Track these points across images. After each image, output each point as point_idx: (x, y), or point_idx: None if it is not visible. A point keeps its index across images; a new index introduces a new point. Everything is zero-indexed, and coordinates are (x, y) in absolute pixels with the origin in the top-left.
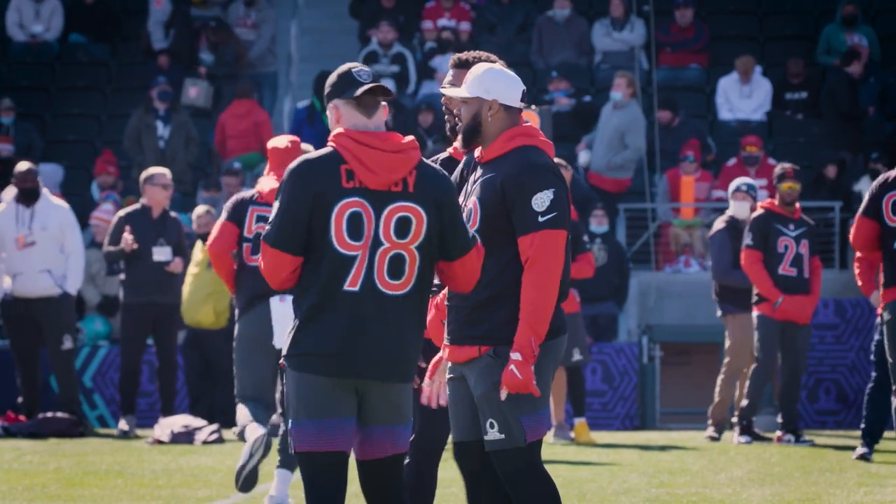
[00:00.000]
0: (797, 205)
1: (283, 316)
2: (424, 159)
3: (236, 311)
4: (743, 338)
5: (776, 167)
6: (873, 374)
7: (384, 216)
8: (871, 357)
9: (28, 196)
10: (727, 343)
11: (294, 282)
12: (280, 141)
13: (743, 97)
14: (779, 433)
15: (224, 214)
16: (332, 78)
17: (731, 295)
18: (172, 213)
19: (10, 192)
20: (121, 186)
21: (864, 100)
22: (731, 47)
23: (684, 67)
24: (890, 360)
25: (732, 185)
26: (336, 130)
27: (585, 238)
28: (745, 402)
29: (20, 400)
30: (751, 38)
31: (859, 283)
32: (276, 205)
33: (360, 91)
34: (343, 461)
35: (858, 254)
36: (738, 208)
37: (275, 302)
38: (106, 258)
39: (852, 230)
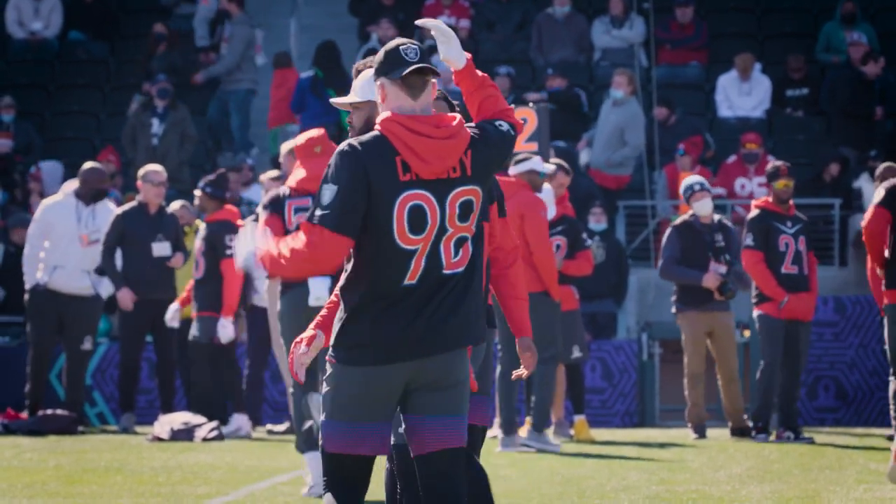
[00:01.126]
0: (790, 202)
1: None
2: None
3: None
4: (692, 335)
5: (768, 165)
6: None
7: (448, 204)
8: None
9: (96, 196)
10: (683, 342)
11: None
12: (300, 138)
13: (742, 94)
14: (778, 430)
15: (265, 212)
16: (379, 54)
17: (681, 293)
18: (169, 209)
19: (70, 186)
20: (120, 183)
21: (875, 99)
22: (730, 45)
23: (684, 65)
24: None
25: (686, 186)
26: (384, 114)
27: (584, 235)
28: (758, 404)
29: (27, 389)
30: (750, 35)
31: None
32: (329, 188)
33: (406, 71)
34: (370, 465)
35: (870, 263)
36: (700, 206)
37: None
38: (102, 263)
39: (866, 219)
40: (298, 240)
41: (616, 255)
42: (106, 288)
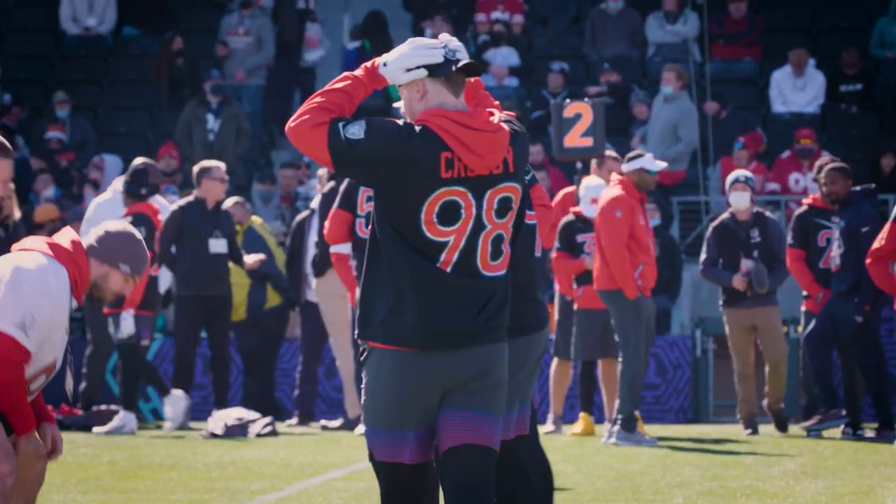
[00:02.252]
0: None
1: None
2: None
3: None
4: (737, 331)
5: (818, 160)
6: None
7: (486, 199)
8: None
9: (152, 192)
10: (728, 337)
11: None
12: None
13: (796, 90)
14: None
15: (336, 202)
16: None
17: (724, 290)
18: (224, 206)
19: (119, 183)
20: (179, 179)
21: None
22: (784, 40)
23: (738, 60)
24: None
25: (730, 178)
26: (427, 108)
27: None
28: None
29: (83, 385)
30: (804, 30)
31: None
32: (361, 125)
33: (453, 69)
34: (421, 471)
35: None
36: (736, 199)
37: None
38: (159, 256)
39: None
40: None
41: (670, 251)
42: (162, 282)
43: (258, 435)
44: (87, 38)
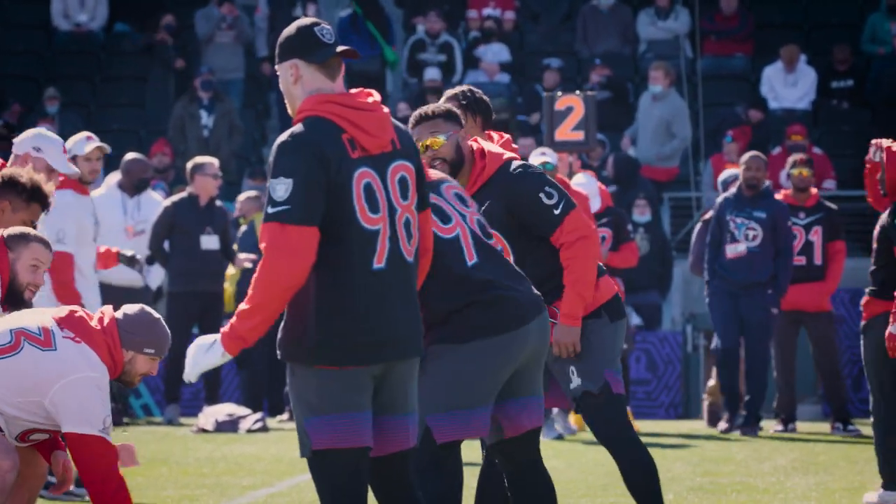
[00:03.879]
0: (812, 191)
1: None
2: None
3: None
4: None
5: (791, 156)
6: None
7: (389, 180)
8: None
9: (139, 186)
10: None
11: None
12: None
13: (788, 86)
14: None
15: None
16: (290, 32)
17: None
18: (218, 202)
19: (113, 178)
20: (171, 176)
21: None
22: (775, 35)
23: (729, 56)
24: None
25: (722, 179)
26: (306, 95)
27: (629, 227)
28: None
29: None
30: (796, 26)
31: None
32: (281, 182)
33: (328, 56)
34: (367, 458)
35: None
36: None
37: None
38: (151, 252)
39: None
40: (264, 258)
41: (660, 247)
42: (154, 279)
43: (249, 430)
44: (78, 35)
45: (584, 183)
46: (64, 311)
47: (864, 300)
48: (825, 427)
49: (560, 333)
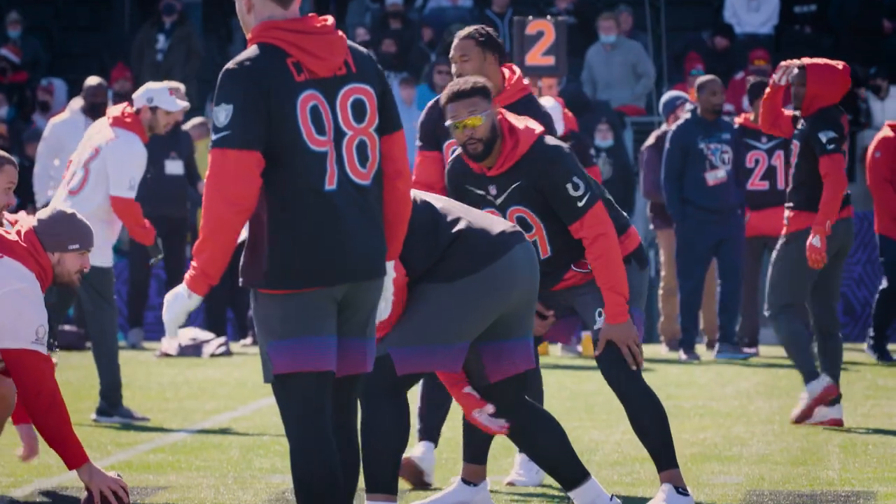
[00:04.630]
0: None
1: None
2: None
3: None
4: (672, 252)
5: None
6: None
7: (339, 103)
8: None
9: (97, 111)
10: (661, 258)
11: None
12: None
13: (751, 11)
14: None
15: None
16: None
17: (661, 210)
18: (184, 127)
19: (77, 103)
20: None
21: (882, 13)
22: None
23: None
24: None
25: (665, 99)
26: (256, 23)
27: (592, 152)
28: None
29: None
30: None
31: None
32: (222, 109)
33: None
34: (330, 382)
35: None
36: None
37: None
38: None
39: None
40: (206, 184)
41: (623, 172)
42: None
43: (212, 355)
44: None
45: (550, 107)
46: None
47: (789, 214)
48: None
49: (614, 333)
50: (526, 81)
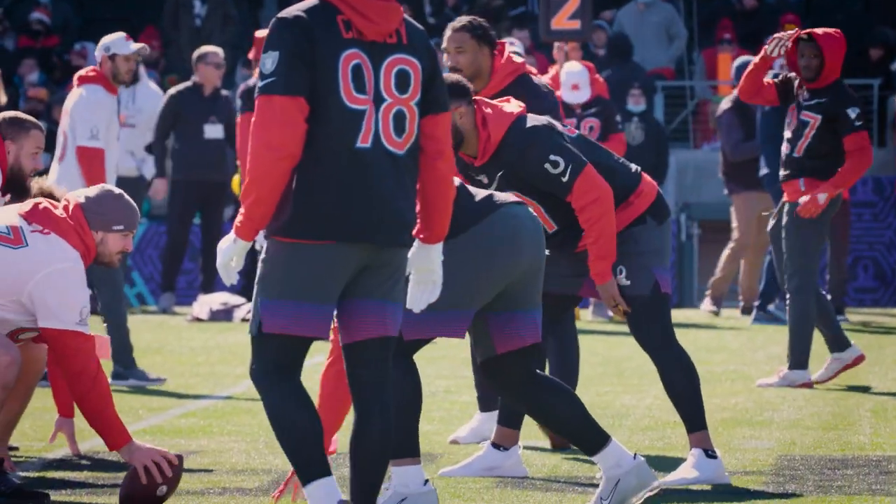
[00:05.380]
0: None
1: None
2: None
3: None
4: (748, 216)
5: None
6: None
7: (384, 69)
8: None
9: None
10: (734, 222)
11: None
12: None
13: None
14: None
15: None
16: None
17: (736, 174)
18: (224, 91)
19: None
20: (162, 65)
21: None
22: None
23: None
24: None
25: (737, 64)
26: None
27: (619, 118)
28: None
29: None
30: None
31: None
32: (270, 55)
33: None
34: (308, 347)
35: None
36: None
37: None
38: (154, 143)
39: None
40: (253, 130)
41: (655, 136)
42: (150, 169)
43: (243, 319)
44: None
45: (575, 71)
46: (28, 204)
47: (804, 183)
48: None
49: (600, 293)
50: (520, 60)
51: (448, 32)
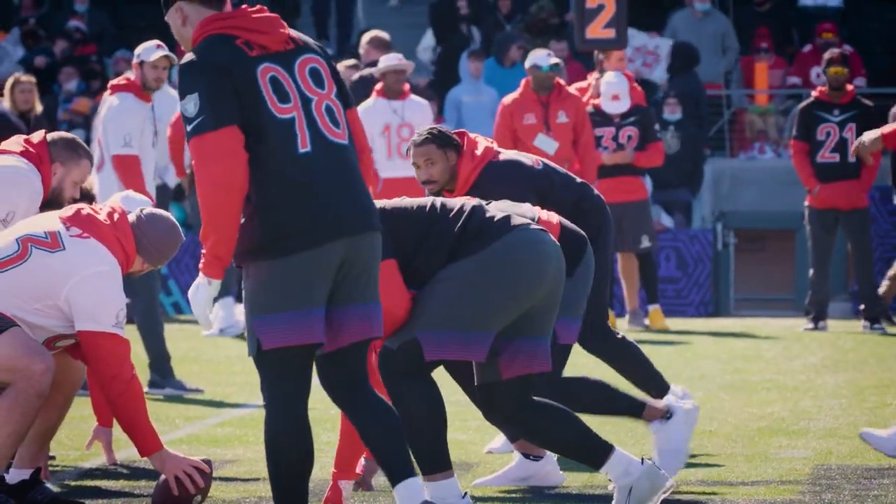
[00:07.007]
0: (848, 88)
1: None
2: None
3: None
4: None
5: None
6: None
7: (297, 71)
8: None
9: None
10: None
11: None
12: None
13: None
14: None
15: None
16: None
17: None
18: None
19: None
20: None
21: None
22: None
23: None
24: None
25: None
26: (195, 26)
27: (657, 126)
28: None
29: None
30: None
31: None
32: (189, 99)
33: None
34: (313, 355)
35: None
36: None
37: None
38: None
39: None
40: (195, 173)
41: (690, 145)
42: (172, 177)
43: None
44: None
45: (614, 82)
46: (70, 209)
47: None
48: (855, 325)
49: None
50: (482, 148)
51: (412, 149)
